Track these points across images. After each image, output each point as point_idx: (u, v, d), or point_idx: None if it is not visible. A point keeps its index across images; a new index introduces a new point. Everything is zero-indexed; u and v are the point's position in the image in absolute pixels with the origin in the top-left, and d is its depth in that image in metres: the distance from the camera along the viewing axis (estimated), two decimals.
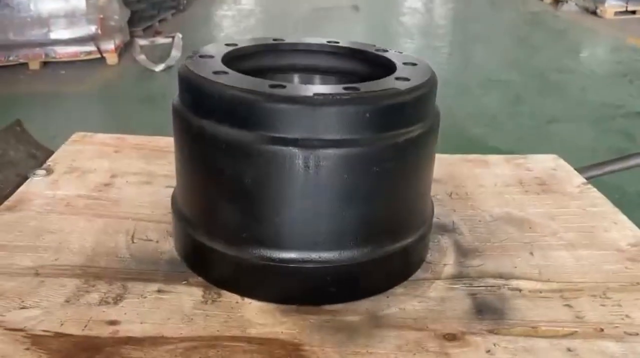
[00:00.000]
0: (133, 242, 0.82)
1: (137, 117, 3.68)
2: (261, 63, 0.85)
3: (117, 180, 1.00)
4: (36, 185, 0.97)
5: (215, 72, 0.68)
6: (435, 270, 0.80)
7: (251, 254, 0.68)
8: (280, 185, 0.65)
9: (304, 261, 0.68)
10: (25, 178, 0.99)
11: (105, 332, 0.64)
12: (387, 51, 0.85)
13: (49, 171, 1.02)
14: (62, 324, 0.65)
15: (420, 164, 0.74)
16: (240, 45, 0.83)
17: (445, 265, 0.81)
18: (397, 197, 0.72)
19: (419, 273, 0.79)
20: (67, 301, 0.69)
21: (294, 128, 0.63)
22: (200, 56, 0.75)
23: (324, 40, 0.89)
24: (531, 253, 0.84)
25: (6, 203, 0.91)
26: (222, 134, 0.65)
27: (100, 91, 4.48)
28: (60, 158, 1.07)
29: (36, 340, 0.62)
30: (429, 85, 0.71)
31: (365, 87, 0.66)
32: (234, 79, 0.66)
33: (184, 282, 0.74)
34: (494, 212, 0.96)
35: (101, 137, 1.17)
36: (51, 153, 1.10)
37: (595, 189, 1.04)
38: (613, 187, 1.77)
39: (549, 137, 3.56)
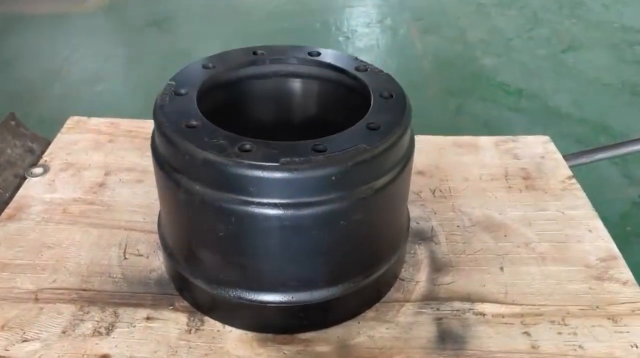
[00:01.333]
0: (125, 258, 0.88)
1: (144, 42, 3.59)
2: (238, 90, 0.85)
3: (110, 178, 1.04)
4: (34, 188, 1.01)
5: (188, 126, 0.69)
6: (408, 289, 0.85)
7: (228, 293, 0.74)
8: (252, 240, 0.69)
9: (277, 302, 0.73)
10: (24, 178, 1.03)
11: None
12: (366, 70, 0.83)
13: (46, 169, 1.06)
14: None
15: (391, 206, 0.76)
16: (218, 69, 0.82)
17: (417, 282, 0.86)
18: (367, 242, 0.75)
19: (391, 293, 0.84)
20: (64, 332, 0.76)
21: (262, 192, 0.65)
22: (176, 92, 0.75)
23: (305, 53, 0.87)
24: (501, 269, 0.88)
25: (7, 211, 0.96)
26: (195, 190, 0.68)
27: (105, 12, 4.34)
28: (55, 151, 1.10)
29: None
30: (402, 131, 0.71)
31: (334, 145, 0.67)
32: (204, 138, 0.67)
33: (170, 307, 0.80)
34: (474, 215, 0.98)
35: (95, 122, 1.19)
36: (47, 144, 1.13)
37: (578, 186, 1.04)
38: None
39: (563, 69, 3.37)
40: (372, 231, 0.74)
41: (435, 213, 0.99)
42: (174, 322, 0.78)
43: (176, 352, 0.74)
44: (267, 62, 0.87)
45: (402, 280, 0.86)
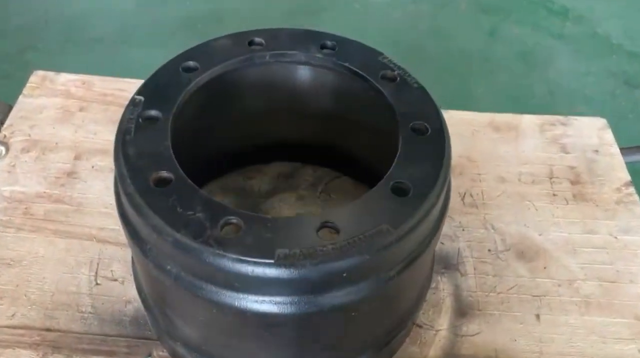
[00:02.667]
0: (97, 283, 0.75)
1: None
2: (229, 97, 0.65)
3: (81, 165, 0.88)
4: None
5: (157, 182, 0.52)
6: (425, 341, 0.72)
7: None
8: (240, 332, 0.55)
9: None
10: None
11: None
12: (395, 80, 0.63)
13: (6, 147, 0.89)
14: None
15: (416, 280, 0.61)
16: (202, 70, 0.62)
17: (437, 331, 0.73)
18: (380, 323, 0.61)
19: (407, 345, 0.72)
20: None
21: (251, 289, 0.50)
22: (144, 118, 0.57)
23: (317, 45, 0.67)
24: (537, 317, 0.74)
25: None
26: (167, 269, 0.53)
27: None
28: (17, 122, 0.93)
29: None
30: (438, 194, 0.54)
31: (347, 223, 0.50)
32: (177, 207, 0.50)
33: (148, 357, 0.69)
34: (509, 234, 0.83)
35: (64, 80, 1.00)
36: (8, 109, 0.95)
37: (636, 198, 0.88)
38: None
39: None
40: (387, 312, 0.60)
41: (463, 230, 0.84)
42: None
43: None
44: (266, 57, 0.66)
45: (420, 326, 0.74)
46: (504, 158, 0.93)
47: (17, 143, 0.90)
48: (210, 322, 0.55)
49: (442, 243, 0.82)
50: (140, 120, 0.57)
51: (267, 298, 0.50)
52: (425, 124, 0.59)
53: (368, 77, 0.63)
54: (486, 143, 0.95)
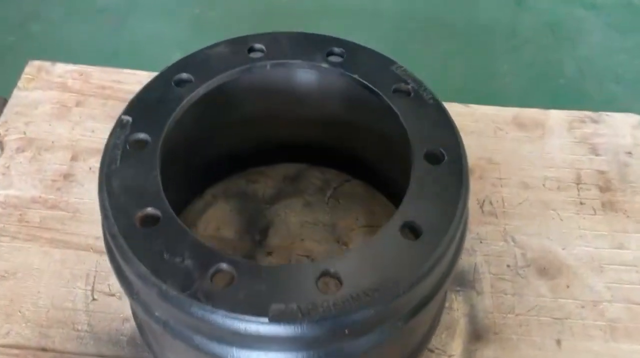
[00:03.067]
0: (94, 298, 0.72)
1: None
2: (226, 112, 0.59)
3: (78, 166, 0.84)
4: None
5: (143, 221, 0.47)
6: None
7: None
8: None
9: None
10: None
11: None
12: (409, 94, 0.57)
13: (1, 145, 0.85)
14: None
15: (425, 323, 0.56)
16: (196, 84, 0.56)
17: (450, 357, 0.69)
18: None
19: None
20: None
21: (243, 344, 0.46)
22: (132, 143, 0.52)
23: (324, 53, 0.60)
24: (558, 343, 0.70)
25: None
26: (155, 316, 0.49)
27: None
28: (11, 119, 0.88)
29: None
30: (453, 236, 0.49)
31: (350, 272, 0.45)
32: (164, 253, 0.46)
33: None
34: (530, 247, 0.77)
35: (60, 71, 0.94)
36: (3, 103, 0.91)
37: None
38: None
39: None
40: (394, 353, 0.55)
41: (481, 242, 0.78)
42: None
43: None
44: (267, 67, 0.60)
45: (432, 351, 0.69)
46: (528, 160, 0.86)
47: (12, 141, 0.86)
48: None
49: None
50: (127, 146, 0.52)
51: (262, 354, 0.46)
52: (441, 150, 0.53)
53: (379, 92, 0.57)
54: (509, 143, 0.88)
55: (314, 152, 0.80)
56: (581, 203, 0.82)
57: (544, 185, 0.84)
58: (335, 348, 0.46)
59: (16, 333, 0.69)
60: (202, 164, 0.73)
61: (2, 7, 2.04)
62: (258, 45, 0.60)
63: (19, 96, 0.91)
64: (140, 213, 0.48)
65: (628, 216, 0.80)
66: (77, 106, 0.90)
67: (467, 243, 0.77)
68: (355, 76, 0.58)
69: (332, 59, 0.60)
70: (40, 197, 0.81)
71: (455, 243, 0.50)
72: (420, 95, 0.57)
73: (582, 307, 0.72)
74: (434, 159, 0.53)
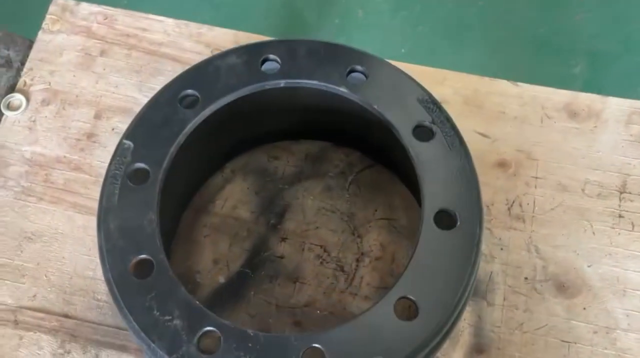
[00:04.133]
0: None
1: None
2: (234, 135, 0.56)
3: (101, 125, 0.83)
4: (12, 132, 0.83)
5: (136, 270, 0.48)
6: None
7: None
8: None
9: None
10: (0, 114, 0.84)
11: None
12: (432, 136, 0.52)
13: (26, 96, 0.84)
14: None
15: None
16: (203, 105, 0.53)
17: None
18: None
19: None
20: None
21: None
22: (131, 175, 0.50)
23: (344, 69, 0.54)
24: None
25: None
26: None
27: None
28: (36, 66, 0.87)
29: None
30: (454, 317, 0.47)
31: (336, 349, 0.45)
32: (154, 310, 0.46)
33: None
34: (554, 261, 0.74)
35: (85, 13, 0.90)
36: (29, 46, 0.88)
37: None
38: None
39: None
40: None
41: (501, 249, 0.75)
42: None
43: None
44: (281, 85, 0.55)
45: None
46: (573, 158, 0.79)
47: (37, 92, 0.85)
48: None
49: None
50: (127, 178, 0.50)
51: None
52: (456, 213, 0.49)
53: (398, 130, 0.52)
54: (555, 135, 0.81)
55: (337, 132, 0.75)
56: (620, 216, 0.76)
57: (583, 189, 0.78)
58: None
59: (42, 297, 0.74)
60: (222, 145, 0.71)
61: None
62: (273, 56, 0.55)
63: (44, 40, 0.88)
64: (134, 260, 0.48)
65: None
66: (101, 55, 0.87)
67: (487, 248, 0.75)
68: (375, 107, 0.52)
69: (353, 77, 0.54)
70: (64, 157, 0.81)
71: (450, 324, 0.48)
72: (442, 138, 0.51)
73: (595, 332, 0.70)
74: (445, 222, 0.49)
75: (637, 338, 0.70)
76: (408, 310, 0.47)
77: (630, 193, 0.77)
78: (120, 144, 0.53)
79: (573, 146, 0.80)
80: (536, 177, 0.79)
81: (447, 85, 0.84)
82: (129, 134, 0.53)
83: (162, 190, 0.50)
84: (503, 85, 0.84)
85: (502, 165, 0.80)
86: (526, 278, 0.74)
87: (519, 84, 0.84)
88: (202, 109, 0.53)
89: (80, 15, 0.90)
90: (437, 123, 0.52)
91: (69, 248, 0.77)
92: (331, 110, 0.57)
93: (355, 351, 0.45)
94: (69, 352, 0.72)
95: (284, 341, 0.46)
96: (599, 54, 1.45)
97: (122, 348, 0.71)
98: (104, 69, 0.86)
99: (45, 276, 0.75)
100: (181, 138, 0.52)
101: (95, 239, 0.75)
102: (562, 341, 0.70)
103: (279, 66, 0.55)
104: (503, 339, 0.71)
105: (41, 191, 0.80)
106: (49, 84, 0.86)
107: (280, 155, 0.81)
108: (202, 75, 0.54)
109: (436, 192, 0.49)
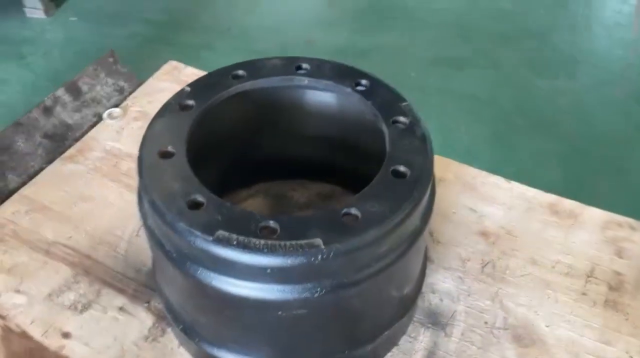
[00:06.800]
0: (137, 235, 0.90)
1: None
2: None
3: None
4: (104, 131, 1.06)
5: (163, 155, 0.64)
6: None
7: (194, 341, 0.70)
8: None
9: None
10: (101, 119, 1.09)
11: (55, 344, 0.76)
12: (405, 126, 0.68)
13: (124, 111, 1.10)
14: (32, 322, 0.78)
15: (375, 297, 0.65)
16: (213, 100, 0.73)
17: None
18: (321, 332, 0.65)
19: None
20: (49, 295, 0.81)
21: (192, 257, 0.59)
22: (161, 154, 0.67)
23: (350, 83, 0.74)
24: None
25: (71, 150, 1.03)
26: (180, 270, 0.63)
27: None
28: (140, 97, 1.13)
29: (5, 336, 0.77)
30: (375, 234, 0.57)
31: (284, 235, 0.56)
32: (167, 179, 0.61)
33: (145, 304, 0.81)
34: (514, 315, 0.80)
35: (190, 72, 1.19)
36: (139, 84, 1.17)
37: None
38: None
39: None
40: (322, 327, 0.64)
41: (469, 295, 0.82)
42: (140, 322, 0.79)
43: (123, 356, 0.75)
44: (305, 82, 0.75)
45: None
46: (548, 240, 0.89)
47: (132, 112, 1.10)
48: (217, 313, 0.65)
49: (441, 300, 0.82)
50: (177, 106, 0.70)
51: (200, 268, 0.59)
52: (407, 172, 0.62)
53: (380, 118, 0.69)
54: (536, 223, 0.92)
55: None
56: (583, 294, 0.82)
57: (553, 267, 0.86)
58: (258, 286, 0.57)
59: (75, 240, 0.89)
60: (254, 163, 0.89)
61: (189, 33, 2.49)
62: (305, 65, 0.76)
63: (152, 83, 1.17)
64: (161, 149, 0.64)
65: (627, 319, 0.79)
66: None
67: (455, 291, 0.83)
68: (369, 103, 0.71)
69: (358, 87, 0.74)
70: (134, 153, 1.02)
71: (386, 245, 0.59)
72: (414, 129, 0.67)
73: None
74: (399, 174, 0.62)
75: None
76: (350, 220, 0.58)
77: (596, 278, 0.84)
78: (182, 89, 0.73)
79: (551, 234, 0.90)
80: (513, 249, 0.88)
81: (449, 171, 1.00)
82: (190, 84, 0.73)
83: (199, 116, 0.69)
84: (496, 179, 0.99)
85: (484, 234, 0.90)
86: (486, 322, 0.79)
87: (512, 181, 0.99)
88: (246, 81, 0.73)
89: (185, 74, 1.19)
90: (411, 120, 0.68)
91: (110, 213, 0.93)
92: (339, 111, 0.75)
93: (305, 232, 0.56)
94: (78, 282, 0.83)
95: (252, 216, 0.58)
96: None
97: (121, 291, 0.82)
98: None
99: (85, 226, 0.91)
100: (224, 93, 0.72)
101: (133, 210, 0.92)
102: None
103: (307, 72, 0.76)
104: None
105: (107, 171, 1.00)
106: (143, 108, 1.11)
107: (298, 188, 0.97)
108: (250, 65, 0.76)
109: (397, 158, 0.64)
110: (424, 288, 0.83)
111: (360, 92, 0.73)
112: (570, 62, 2.32)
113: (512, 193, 0.97)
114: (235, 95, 0.73)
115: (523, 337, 0.78)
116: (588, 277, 0.84)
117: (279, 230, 0.57)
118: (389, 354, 0.76)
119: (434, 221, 0.92)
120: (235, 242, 0.55)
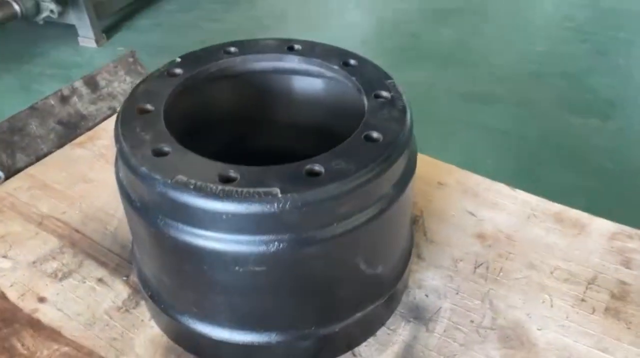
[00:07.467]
0: None
1: None
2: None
3: None
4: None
5: (140, 111, 0.65)
6: None
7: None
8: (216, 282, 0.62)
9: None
10: (115, 112, 1.12)
11: (29, 307, 0.76)
12: (386, 99, 0.67)
13: None
14: (11, 285, 0.79)
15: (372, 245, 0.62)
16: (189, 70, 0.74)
17: None
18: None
19: None
20: (33, 262, 0.82)
21: (153, 204, 0.58)
22: (139, 110, 0.68)
23: (338, 62, 0.74)
24: None
25: (82, 137, 1.07)
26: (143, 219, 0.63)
27: None
28: None
29: None
30: (340, 188, 0.56)
31: (244, 183, 0.55)
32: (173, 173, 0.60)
33: (124, 278, 0.80)
34: (504, 316, 0.74)
35: None
36: None
37: None
38: None
39: None
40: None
41: (457, 294, 0.78)
42: (115, 293, 0.78)
43: (93, 323, 0.74)
44: (295, 61, 0.76)
45: (355, 356, 0.71)
46: (550, 248, 0.84)
47: None
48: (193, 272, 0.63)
49: (426, 296, 0.77)
50: (165, 73, 0.71)
51: (160, 216, 0.58)
52: (380, 135, 0.61)
53: (362, 91, 0.68)
54: (538, 230, 0.87)
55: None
56: (582, 300, 0.76)
57: (552, 272, 0.80)
58: (216, 236, 0.56)
59: (69, 215, 0.90)
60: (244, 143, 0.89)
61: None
62: (297, 46, 0.77)
63: None
64: (140, 106, 0.66)
65: (629, 328, 0.72)
66: None
67: (443, 288, 0.79)
68: (354, 79, 0.70)
69: (347, 66, 0.74)
70: None
71: (348, 205, 0.57)
72: (395, 102, 0.66)
73: None
74: (370, 139, 0.61)
75: None
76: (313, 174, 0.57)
77: (599, 285, 0.78)
78: (174, 59, 0.75)
79: (553, 240, 0.85)
80: (510, 253, 0.83)
81: (451, 177, 0.97)
82: (182, 56, 0.75)
83: (183, 82, 0.70)
84: (502, 187, 0.95)
85: (481, 237, 0.86)
86: (472, 321, 0.74)
87: (517, 189, 0.94)
88: (235, 56, 0.75)
89: None
90: (393, 94, 0.67)
91: (108, 193, 0.94)
92: (325, 95, 0.76)
93: (264, 182, 0.55)
94: (63, 253, 0.84)
95: (214, 165, 0.58)
96: None
97: (103, 264, 0.82)
98: None
99: (80, 203, 0.92)
100: (213, 64, 0.73)
101: None
102: None
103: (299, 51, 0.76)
104: None
105: (111, 158, 1.02)
106: None
107: None
108: (244, 43, 0.77)
109: (371, 125, 0.62)
110: (410, 284, 0.79)
111: (347, 70, 0.73)
112: (606, 104, 2.27)
113: (515, 201, 0.92)
114: (224, 69, 0.75)
115: (511, 338, 0.72)
116: (589, 284, 0.79)
117: (238, 178, 0.56)
118: (364, 344, 0.72)
119: (429, 221, 0.89)
120: (192, 186, 0.55)
